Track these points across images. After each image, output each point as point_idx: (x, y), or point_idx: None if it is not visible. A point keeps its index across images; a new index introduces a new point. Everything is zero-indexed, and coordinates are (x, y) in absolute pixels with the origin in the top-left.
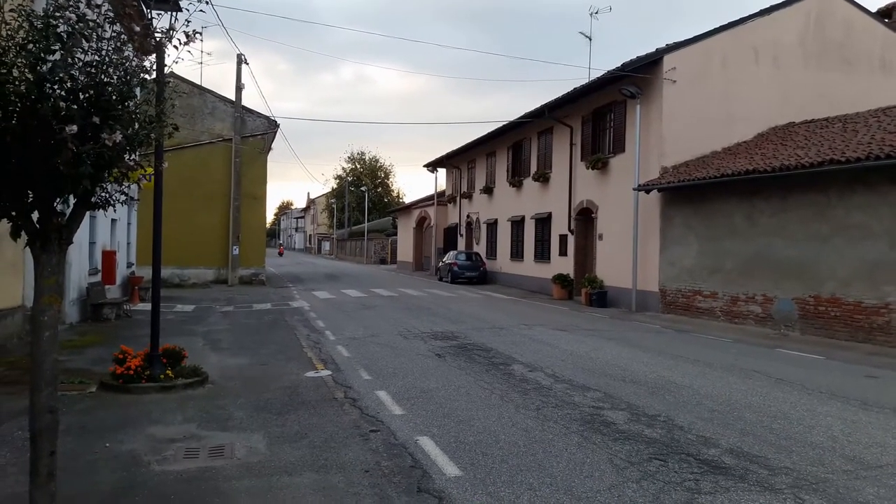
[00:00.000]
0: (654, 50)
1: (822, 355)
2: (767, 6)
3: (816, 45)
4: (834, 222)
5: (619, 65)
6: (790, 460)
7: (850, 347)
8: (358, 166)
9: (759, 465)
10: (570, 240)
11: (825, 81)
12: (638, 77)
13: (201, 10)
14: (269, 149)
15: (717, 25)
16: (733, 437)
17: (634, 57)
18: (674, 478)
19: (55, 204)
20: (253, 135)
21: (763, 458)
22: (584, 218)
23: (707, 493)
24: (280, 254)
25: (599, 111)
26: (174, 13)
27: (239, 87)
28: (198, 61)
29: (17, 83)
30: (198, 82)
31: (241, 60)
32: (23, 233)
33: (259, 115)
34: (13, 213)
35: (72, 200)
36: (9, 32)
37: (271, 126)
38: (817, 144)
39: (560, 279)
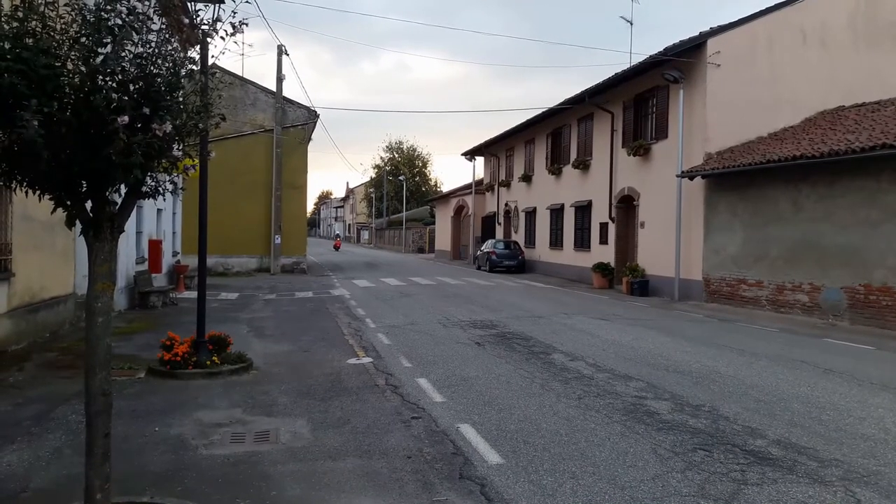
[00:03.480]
0: (697, 33)
1: (873, 345)
2: None
3: (867, 25)
4: (885, 208)
5: (661, 49)
6: (840, 452)
7: None
8: (396, 155)
9: (807, 456)
10: (611, 228)
11: (876, 63)
12: (681, 61)
13: (246, 1)
14: (310, 139)
15: (764, 7)
16: (781, 427)
17: (677, 41)
18: (719, 468)
19: (107, 193)
20: (293, 125)
21: (812, 450)
22: (626, 205)
23: (754, 484)
24: (336, 247)
25: (641, 97)
26: (217, 5)
27: (280, 78)
28: (239, 53)
29: (71, 76)
30: (239, 74)
31: (281, 51)
32: (77, 221)
33: (299, 105)
34: (68, 203)
35: (123, 190)
36: (63, 26)
37: (311, 116)
38: (868, 129)
39: (600, 268)
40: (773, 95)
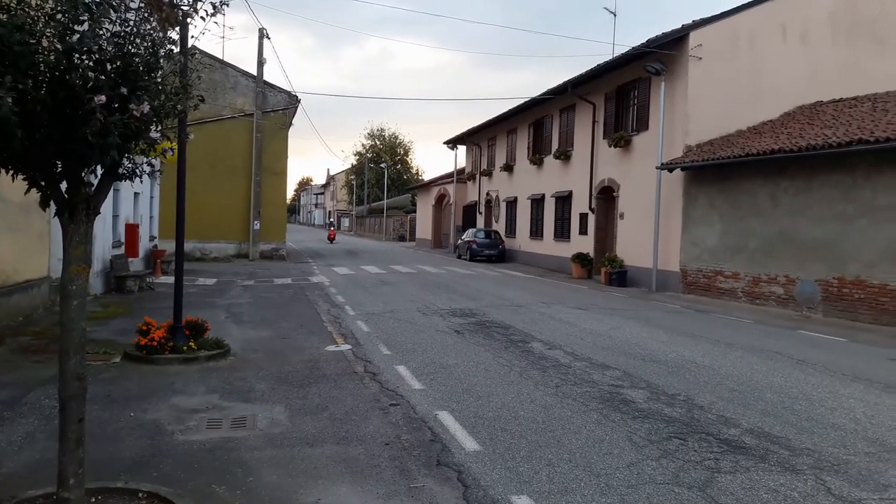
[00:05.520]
0: (679, 26)
1: (845, 338)
2: None
3: (848, 21)
4: (860, 203)
5: (643, 41)
6: (812, 442)
7: (874, 330)
8: (377, 143)
9: (779, 445)
10: (591, 218)
11: (855, 59)
12: (663, 54)
13: None
14: (290, 124)
15: (746, 1)
16: (754, 417)
17: (660, 33)
18: (693, 456)
19: (83, 174)
20: (274, 110)
21: (784, 439)
22: (606, 197)
23: (727, 472)
24: (331, 238)
25: (623, 88)
26: None
27: (260, 62)
28: (220, 36)
29: (46, 53)
30: (220, 57)
31: (262, 35)
32: (51, 203)
33: (280, 90)
34: (42, 183)
35: (99, 171)
36: (38, 2)
37: (292, 101)
38: (845, 124)
39: (580, 258)
40: (754, 89)
